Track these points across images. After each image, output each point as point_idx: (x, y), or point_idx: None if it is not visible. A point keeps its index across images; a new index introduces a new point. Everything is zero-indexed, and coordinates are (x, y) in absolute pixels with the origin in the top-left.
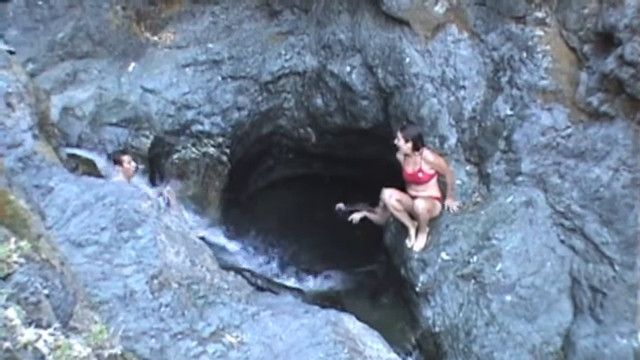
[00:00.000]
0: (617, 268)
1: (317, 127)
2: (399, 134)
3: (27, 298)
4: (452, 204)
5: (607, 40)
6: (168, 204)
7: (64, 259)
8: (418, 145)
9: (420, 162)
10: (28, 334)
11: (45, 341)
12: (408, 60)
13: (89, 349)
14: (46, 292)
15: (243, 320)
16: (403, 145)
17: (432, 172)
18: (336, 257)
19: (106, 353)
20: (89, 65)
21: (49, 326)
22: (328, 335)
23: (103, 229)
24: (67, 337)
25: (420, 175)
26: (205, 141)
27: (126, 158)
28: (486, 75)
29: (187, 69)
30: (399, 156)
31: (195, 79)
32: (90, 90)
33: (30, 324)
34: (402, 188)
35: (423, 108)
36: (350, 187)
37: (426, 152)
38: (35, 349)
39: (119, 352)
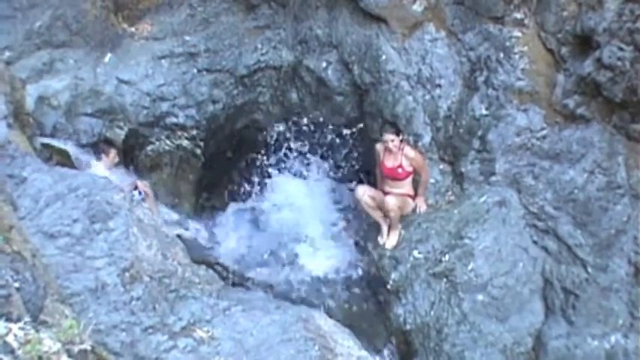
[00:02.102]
0: (589, 270)
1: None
2: (391, 136)
3: None
4: (421, 204)
5: (585, 43)
6: (143, 198)
7: (35, 251)
8: (401, 138)
9: (401, 158)
10: None
11: (15, 335)
12: (384, 57)
13: (59, 344)
14: (16, 285)
15: (214, 315)
16: (390, 142)
17: (410, 168)
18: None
19: (76, 348)
20: (66, 55)
21: (19, 320)
22: (299, 332)
23: (75, 220)
24: (38, 331)
25: (400, 170)
26: (179, 133)
27: (113, 151)
28: (462, 74)
29: (163, 61)
30: (379, 149)
31: (171, 71)
32: (66, 80)
33: (0, 317)
34: (375, 185)
35: (398, 105)
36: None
37: (407, 148)
38: (5, 343)
39: (89, 348)
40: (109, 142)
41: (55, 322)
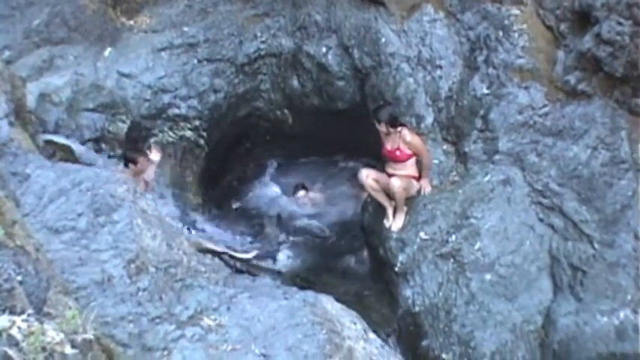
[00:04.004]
0: (596, 246)
1: (293, 109)
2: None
3: (0, 284)
4: (426, 185)
5: (584, 19)
6: None
7: (39, 245)
8: (395, 123)
9: (399, 141)
10: (2, 321)
11: (19, 328)
12: (383, 40)
13: (62, 335)
14: (19, 278)
15: (221, 303)
16: (378, 126)
17: (409, 152)
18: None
19: (79, 338)
20: (65, 51)
21: (22, 312)
22: (306, 316)
23: (79, 214)
24: (41, 323)
25: (398, 153)
26: (182, 124)
27: (140, 159)
28: (463, 54)
29: (163, 53)
30: (382, 130)
31: (171, 63)
32: (66, 76)
33: (4, 311)
34: (381, 168)
35: (399, 88)
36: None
37: (405, 132)
38: (9, 335)
39: (92, 337)
40: (136, 150)
41: (59, 313)
